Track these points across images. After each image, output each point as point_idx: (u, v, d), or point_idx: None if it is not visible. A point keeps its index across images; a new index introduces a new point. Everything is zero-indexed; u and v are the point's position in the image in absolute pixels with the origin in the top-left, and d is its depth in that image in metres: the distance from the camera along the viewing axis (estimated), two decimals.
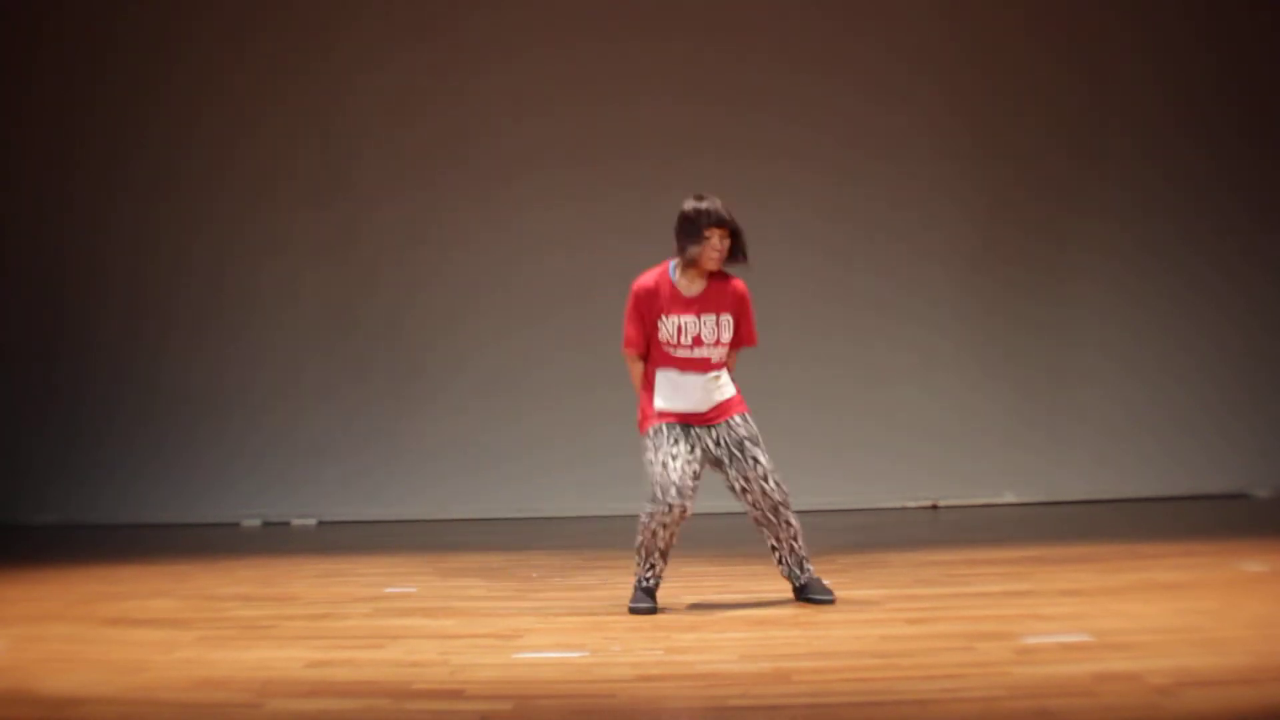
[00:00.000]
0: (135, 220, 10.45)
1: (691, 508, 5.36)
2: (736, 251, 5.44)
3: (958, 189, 10.23)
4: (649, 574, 5.47)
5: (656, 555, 5.44)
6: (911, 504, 9.98)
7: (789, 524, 5.51)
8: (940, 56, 10.24)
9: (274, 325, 10.38)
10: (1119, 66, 10.21)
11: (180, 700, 3.99)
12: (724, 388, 5.46)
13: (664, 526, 5.35)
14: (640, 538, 5.41)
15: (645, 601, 5.44)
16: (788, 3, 10.28)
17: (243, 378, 10.37)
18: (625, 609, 5.46)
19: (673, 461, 5.33)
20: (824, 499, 9.92)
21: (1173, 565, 6.31)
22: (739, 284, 5.51)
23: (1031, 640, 4.49)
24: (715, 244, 5.38)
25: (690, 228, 5.38)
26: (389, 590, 6.31)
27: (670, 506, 5.30)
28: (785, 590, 5.83)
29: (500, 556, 7.59)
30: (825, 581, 5.58)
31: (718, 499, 9.93)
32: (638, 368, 5.53)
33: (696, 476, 5.37)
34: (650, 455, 5.37)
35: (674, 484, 5.30)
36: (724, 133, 10.15)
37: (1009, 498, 9.97)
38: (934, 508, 9.92)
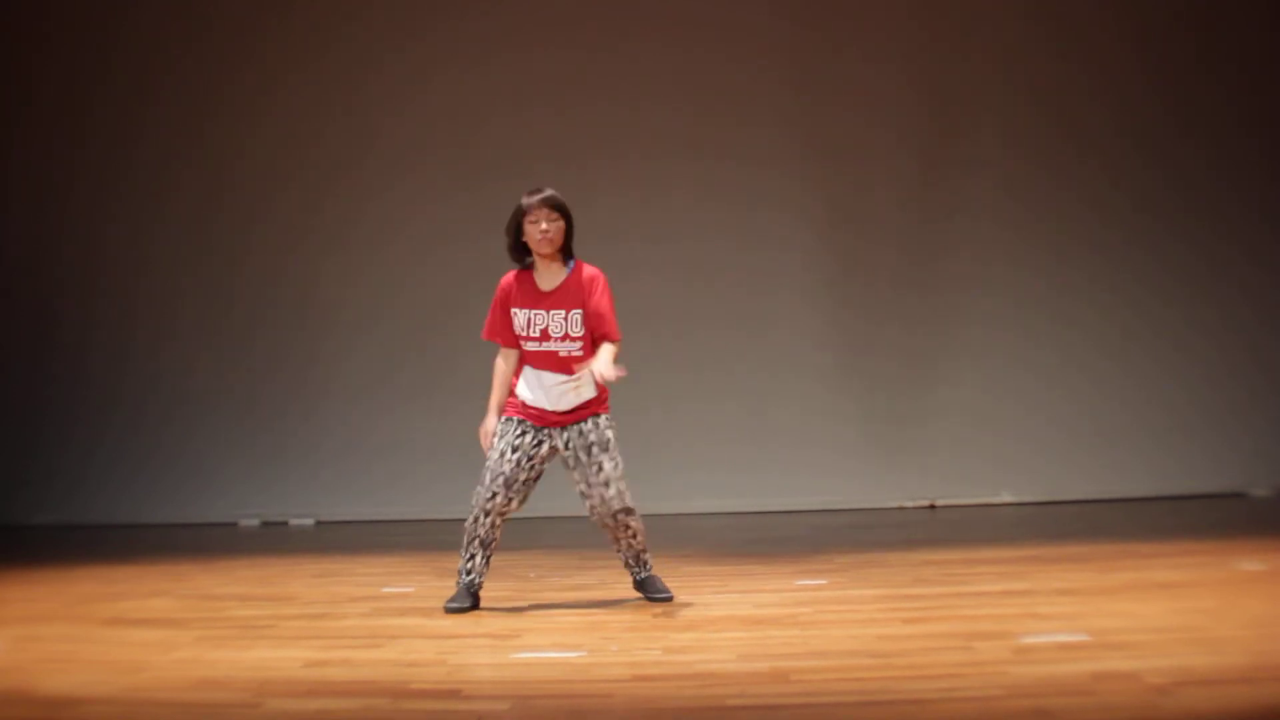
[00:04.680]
0: (133, 220, 10.45)
1: (516, 506, 5.46)
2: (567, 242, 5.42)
3: (950, 190, 10.22)
4: (468, 564, 5.52)
5: (476, 544, 5.49)
6: (909, 504, 9.98)
7: (628, 527, 5.51)
8: (935, 55, 10.24)
9: (271, 325, 10.38)
10: (1117, 63, 10.20)
11: (178, 700, 3.98)
12: (582, 390, 5.41)
13: (485, 514, 5.44)
14: (465, 524, 5.49)
15: (460, 601, 5.50)
16: (785, 4, 10.28)
17: (240, 378, 10.37)
18: (622, 609, 5.46)
19: (510, 454, 5.42)
20: (822, 499, 9.93)
21: (1171, 564, 6.31)
22: (592, 272, 5.47)
23: (1029, 640, 4.49)
24: (542, 225, 5.35)
25: (517, 214, 5.39)
26: (387, 590, 6.31)
27: (493, 494, 5.40)
28: (783, 589, 5.84)
29: (497, 556, 7.55)
30: (661, 580, 5.66)
31: (717, 499, 9.96)
32: (501, 359, 5.58)
33: (531, 476, 5.45)
34: (494, 441, 5.47)
35: (503, 475, 5.41)
36: (720, 134, 10.16)
37: (1006, 497, 9.97)
38: (931, 507, 9.92)
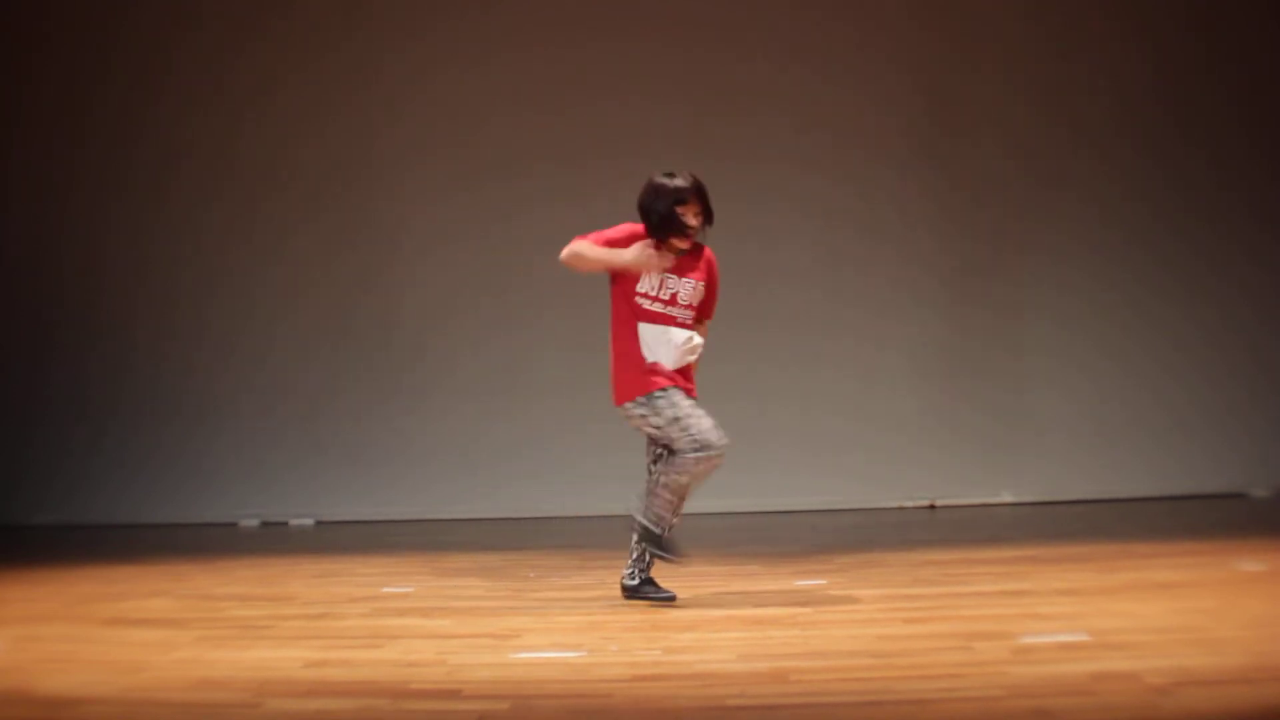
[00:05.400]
0: (134, 220, 10.44)
1: None
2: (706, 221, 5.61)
3: (952, 189, 10.22)
4: (673, 518, 5.51)
5: (682, 503, 5.51)
6: (909, 504, 9.98)
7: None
8: (936, 55, 10.24)
9: (271, 325, 10.38)
10: (1116, 63, 10.20)
11: (178, 700, 3.99)
12: (695, 350, 5.57)
13: (706, 471, 5.44)
14: (682, 479, 5.43)
15: (677, 550, 5.50)
16: (785, 3, 10.28)
17: (240, 378, 10.36)
18: (623, 609, 5.46)
19: (703, 410, 5.46)
20: (822, 499, 9.93)
21: (1170, 565, 6.31)
22: (710, 254, 5.68)
23: (1029, 640, 4.49)
24: (690, 219, 5.50)
25: (673, 195, 5.49)
26: (386, 590, 6.31)
27: (722, 449, 5.43)
28: (784, 590, 5.83)
29: (497, 556, 7.60)
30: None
31: (717, 499, 9.97)
32: (586, 246, 5.53)
33: None
34: (675, 412, 5.42)
35: (716, 427, 5.43)
36: (720, 133, 10.15)
37: (1006, 497, 9.97)
38: (931, 507, 9.92)
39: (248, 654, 4.67)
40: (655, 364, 5.50)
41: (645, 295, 5.51)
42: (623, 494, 10.41)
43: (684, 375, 5.55)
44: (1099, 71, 10.22)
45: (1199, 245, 10.19)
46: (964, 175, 10.23)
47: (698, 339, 5.56)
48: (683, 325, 5.54)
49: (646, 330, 5.52)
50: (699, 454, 5.40)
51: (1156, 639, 4.41)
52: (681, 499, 5.53)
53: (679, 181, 5.52)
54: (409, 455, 10.20)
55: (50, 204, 10.50)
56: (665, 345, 5.50)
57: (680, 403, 5.45)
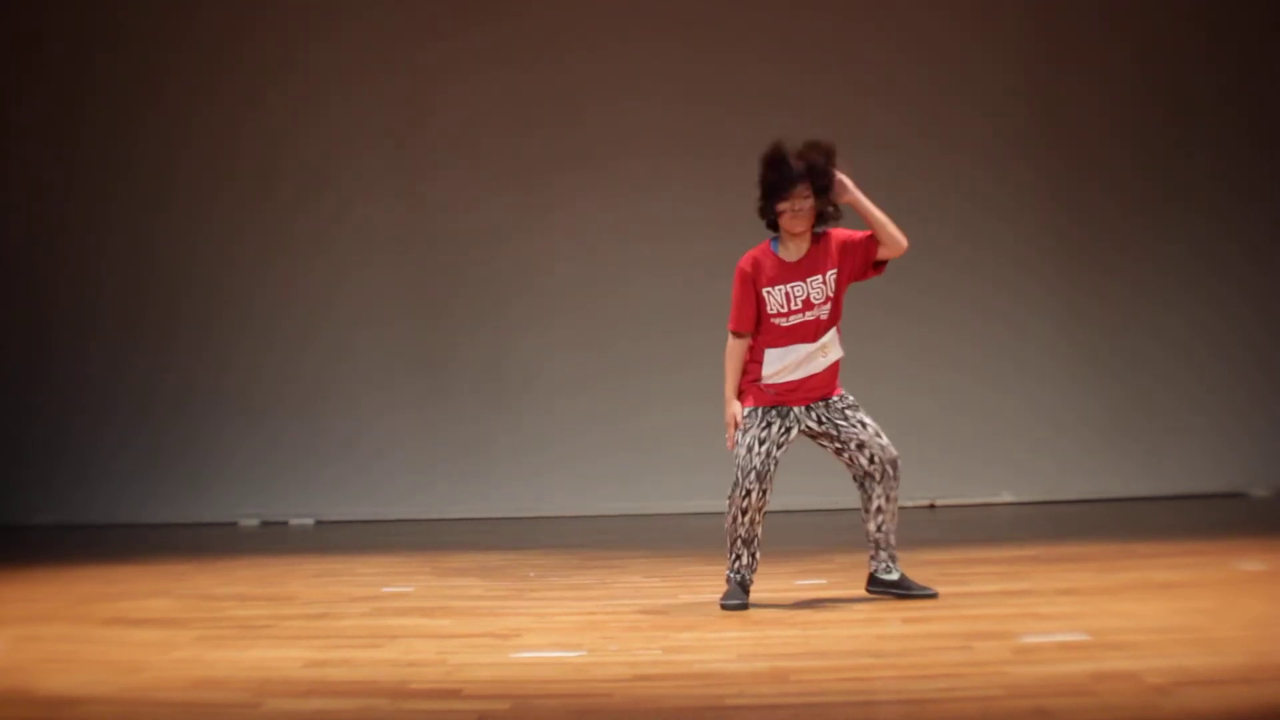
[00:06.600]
0: (134, 218, 10.44)
1: (769, 498, 5.33)
2: (826, 204, 5.35)
3: (959, 188, 10.22)
4: (736, 564, 5.39)
5: (739, 544, 5.36)
6: (909, 503, 9.94)
7: (898, 481, 5.46)
8: (949, 52, 10.23)
9: (271, 325, 10.38)
10: (1115, 63, 10.20)
11: (178, 700, 3.98)
12: (829, 350, 5.41)
13: (743, 513, 5.31)
14: (725, 526, 5.38)
15: (735, 597, 5.35)
16: (786, 2, 10.28)
17: (240, 377, 10.36)
18: (623, 609, 5.46)
19: (759, 446, 5.32)
20: (821, 498, 9.90)
21: (1170, 564, 6.31)
22: (835, 233, 5.43)
23: (1029, 639, 4.49)
24: (795, 206, 5.30)
25: (764, 198, 5.33)
26: (386, 590, 6.31)
27: (748, 492, 5.29)
28: (783, 589, 5.83)
29: (498, 556, 7.60)
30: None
31: (716, 500, 9.96)
32: (737, 349, 5.40)
33: (777, 465, 5.36)
34: (739, 437, 5.35)
35: (754, 469, 5.29)
36: (729, 133, 10.12)
37: (1006, 497, 9.96)
38: (931, 507, 9.92)
39: (247, 654, 4.67)
40: (768, 375, 5.41)
41: (779, 314, 5.36)
42: (623, 494, 10.44)
43: (807, 385, 5.42)
44: (1095, 71, 10.21)
45: (1199, 245, 10.19)
46: (964, 174, 10.22)
47: (824, 341, 5.43)
48: (821, 324, 5.38)
49: (773, 352, 5.40)
50: (730, 492, 5.36)
51: (1156, 639, 4.41)
52: (729, 542, 5.40)
53: (775, 173, 5.31)
54: (409, 455, 10.20)
55: (49, 204, 10.50)
56: (788, 360, 5.38)
57: (747, 429, 5.38)
